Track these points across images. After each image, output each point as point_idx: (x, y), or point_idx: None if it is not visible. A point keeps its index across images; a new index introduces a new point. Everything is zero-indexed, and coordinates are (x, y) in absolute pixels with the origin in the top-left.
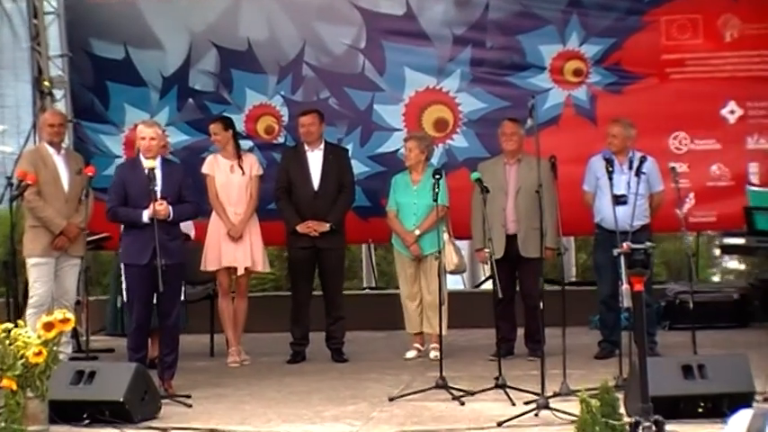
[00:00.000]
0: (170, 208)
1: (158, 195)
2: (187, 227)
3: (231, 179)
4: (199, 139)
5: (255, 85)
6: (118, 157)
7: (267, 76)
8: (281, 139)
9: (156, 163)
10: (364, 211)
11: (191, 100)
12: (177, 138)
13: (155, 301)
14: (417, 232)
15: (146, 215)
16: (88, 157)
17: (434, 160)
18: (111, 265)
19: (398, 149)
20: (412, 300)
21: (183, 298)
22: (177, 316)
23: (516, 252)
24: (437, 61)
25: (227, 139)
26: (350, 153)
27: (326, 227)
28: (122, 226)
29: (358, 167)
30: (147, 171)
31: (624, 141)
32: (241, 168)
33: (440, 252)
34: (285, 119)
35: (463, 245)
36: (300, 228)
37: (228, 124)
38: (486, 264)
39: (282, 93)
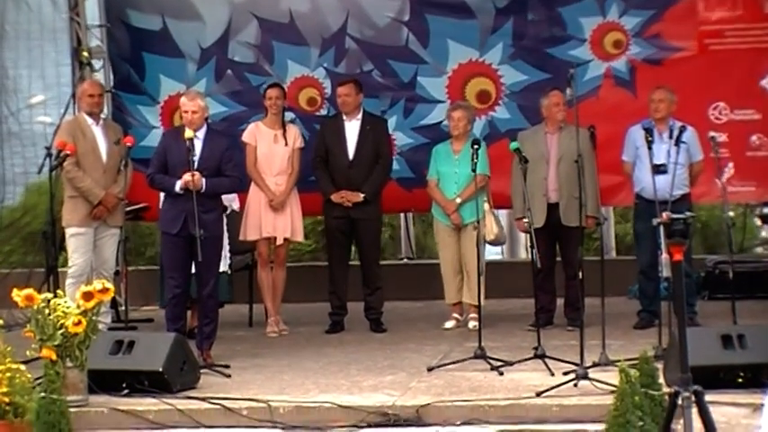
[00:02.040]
0: (203, 180)
1: (195, 166)
2: (229, 200)
3: (274, 149)
4: (237, 110)
5: (297, 57)
6: (155, 127)
7: (309, 49)
8: (323, 111)
9: (199, 134)
10: (408, 182)
11: (230, 71)
12: (215, 109)
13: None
14: (458, 200)
15: (178, 185)
16: (127, 127)
17: (477, 131)
18: (155, 237)
19: (442, 121)
20: (451, 269)
21: (228, 270)
22: (214, 287)
23: (557, 221)
24: (479, 34)
25: (281, 106)
26: (393, 125)
27: (360, 197)
28: (162, 194)
29: (402, 139)
30: (188, 141)
31: (669, 107)
32: (285, 139)
33: (478, 221)
34: (328, 91)
35: (505, 214)
36: (334, 197)
37: (284, 93)
38: (526, 233)
39: (325, 65)
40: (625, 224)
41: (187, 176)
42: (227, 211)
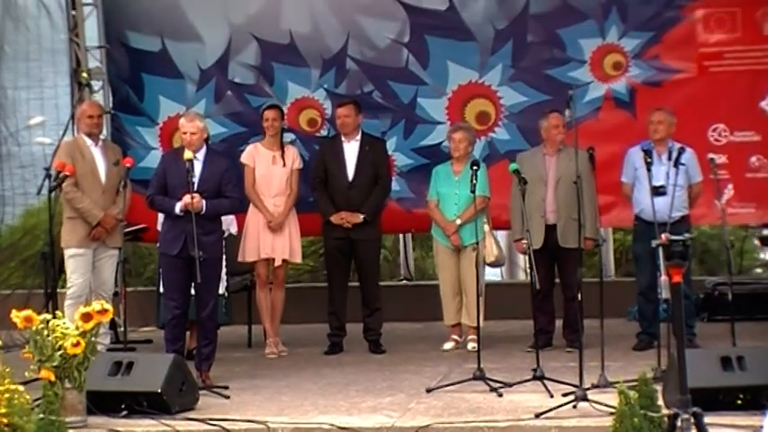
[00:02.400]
0: (203, 202)
1: (194, 188)
2: (227, 223)
3: (272, 170)
4: (237, 131)
5: (298, 78)
6: (154, 149)
7: (310, 70)
8: (324, 132)
9: (199, 155)
10: (408, 203)
11: (230, 92)
12: (215, 130)
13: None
14: (459, 222)
15: (178, 207)
16: (126, 148)
17: (477, 152)
18: (154, 257)
19: (442, 142)
20: (450, 290)
21: (225, 292)
22: (213, 308)
23: (555, 243)
24: (479, 55)
25: (278, 128)
26: (394, 146)
27: (360, 218)
28: (162, 215)
29: (402, 160)
30: (188, 163)
31: (668, 128)
32: (283, 160)
33: (477, 243)
34: (328, 112)
35: (505, 235)
36: (334, 219)
37: (282, 114)
38: (525, 254)
39: (326, 86)
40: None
41: (187, 198)
42: (225, 235)
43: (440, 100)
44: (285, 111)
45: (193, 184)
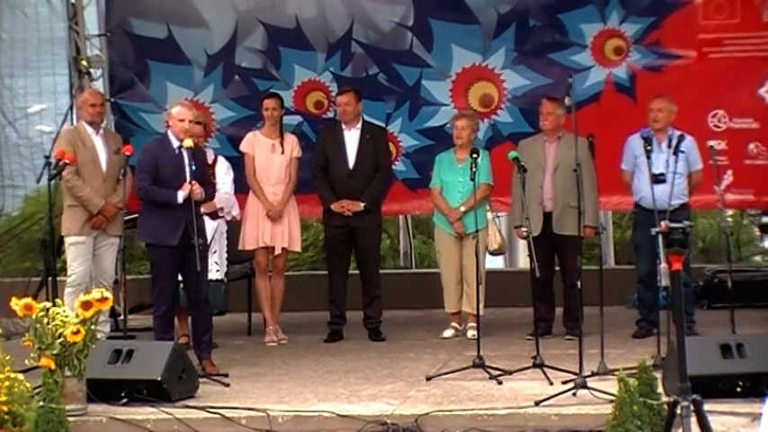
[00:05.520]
0: (201, 188)
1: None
2: (229, 206)
3: (272, 159)
4: (246, 115)
5: (304, 61)
6: (161, 134)
7: (316, 53)
8: (330, 114)
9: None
10: (413, 183)
11: (237, 77)
12: (223, 114)
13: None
14: (462, 209)
15: (181, 195)
16: (129, 135)
17: (480, 135)
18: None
19: (445, 124)
20: (453, 278)
21: (225, 279)
22: (206, 293)
23: (552, 230)
24: (482, 39)
25: (278, 117)
26: (399, 127)
27: (360, 206)
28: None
29: (407, 141)
30: (186, 151)
31: (668, 116)
32: (282, 148)
33: (477, 231)
34: (334, 94)
35: (506, 221)
36: (334, 207)
37: (282, 102)
38: (524, 239)
39: (331, 69)
40: (623, 232)
41: (194, 187)
42: (228, 219)
43: (444, 82)
44: (292, 94)
45: (193, 171)
